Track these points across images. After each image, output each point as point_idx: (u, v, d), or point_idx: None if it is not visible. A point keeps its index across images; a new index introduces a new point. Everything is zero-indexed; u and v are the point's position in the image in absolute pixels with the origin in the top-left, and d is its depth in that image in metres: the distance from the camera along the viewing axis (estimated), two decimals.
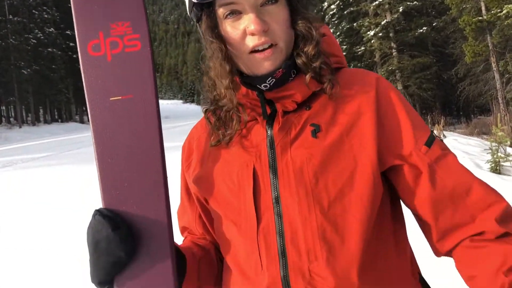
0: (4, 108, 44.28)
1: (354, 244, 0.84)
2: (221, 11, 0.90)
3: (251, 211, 0.90)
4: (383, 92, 0.94)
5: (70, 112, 52.69)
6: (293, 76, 0.94)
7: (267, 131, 0.94)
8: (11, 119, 44.33)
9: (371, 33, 26.04)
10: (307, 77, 0.91)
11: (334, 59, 0.99)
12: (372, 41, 26.31)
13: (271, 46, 0.89)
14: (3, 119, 43.41)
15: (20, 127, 39.38)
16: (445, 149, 0.91)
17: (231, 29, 0.90)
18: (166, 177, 0.96)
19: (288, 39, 0.92)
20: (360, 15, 28.17)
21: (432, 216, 0.88)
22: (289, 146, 0.90)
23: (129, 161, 0.93)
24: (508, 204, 0.84)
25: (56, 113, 51.00)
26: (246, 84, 0.94)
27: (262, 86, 0.92)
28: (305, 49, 0.91)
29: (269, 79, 0.91)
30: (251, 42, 0.88)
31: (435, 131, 12.26)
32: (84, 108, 55.38)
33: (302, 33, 0.92)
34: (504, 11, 17.50)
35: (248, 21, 0.87)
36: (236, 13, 0.89)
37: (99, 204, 0.92)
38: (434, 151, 0.89)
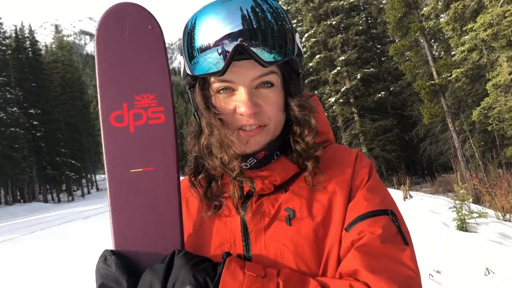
0: None
1: None
2: (215, 86, 0.89)
3: None
4: (358, 171, 0.93)
5: (33, 192, 50.78)
6: (275, 158, 0.94)
7: (241, 216, 0.92)
8: None
9: (332, 99, 27.14)
10: (309, 166, 0.90)
11: (321, 138, 0.98)
12: (333, 107, 27.33)
13: (259, 126, 0.89)
14: None
15: None
16: (362, 232, 0.84)
17: (223, 104, 0.89)
18: None
19: (278, 122, 0.92)
20: (320, 83, 29.42)
21: None
22: (263, 233, 0.89)
23: (146, 238, 0.90)
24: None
25: (18, 193, 49.07)
26: None
27: (242, 164, 0.90)
28: (306, 138, 0.90)
29: (251, 159, 0.91)
30: (239, 121, 0.88)
31: (401, 192, 12.51)
32: (48, 187, 53.70)
33: (297, 119, 0.91)
34: (453, 75, 18.71)
35: (240, 102, 0.86)
36: (229, 89, 0.88)
37: None
38: (350, 235, 0.85)
